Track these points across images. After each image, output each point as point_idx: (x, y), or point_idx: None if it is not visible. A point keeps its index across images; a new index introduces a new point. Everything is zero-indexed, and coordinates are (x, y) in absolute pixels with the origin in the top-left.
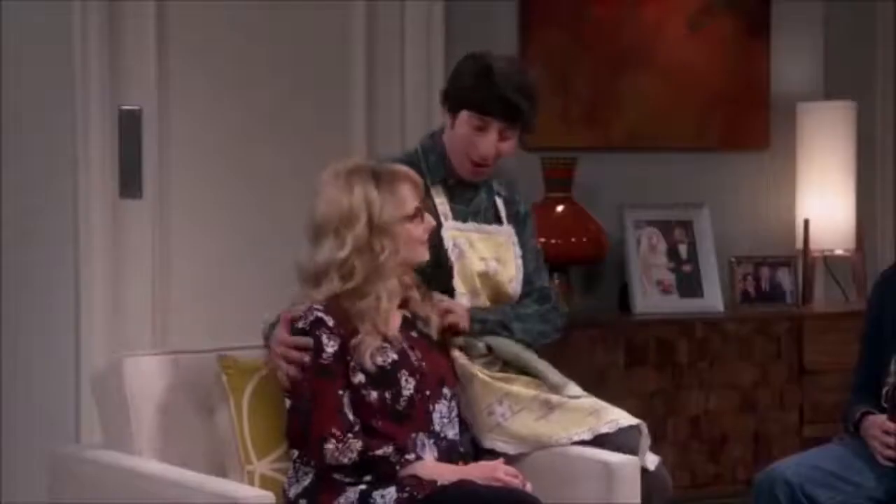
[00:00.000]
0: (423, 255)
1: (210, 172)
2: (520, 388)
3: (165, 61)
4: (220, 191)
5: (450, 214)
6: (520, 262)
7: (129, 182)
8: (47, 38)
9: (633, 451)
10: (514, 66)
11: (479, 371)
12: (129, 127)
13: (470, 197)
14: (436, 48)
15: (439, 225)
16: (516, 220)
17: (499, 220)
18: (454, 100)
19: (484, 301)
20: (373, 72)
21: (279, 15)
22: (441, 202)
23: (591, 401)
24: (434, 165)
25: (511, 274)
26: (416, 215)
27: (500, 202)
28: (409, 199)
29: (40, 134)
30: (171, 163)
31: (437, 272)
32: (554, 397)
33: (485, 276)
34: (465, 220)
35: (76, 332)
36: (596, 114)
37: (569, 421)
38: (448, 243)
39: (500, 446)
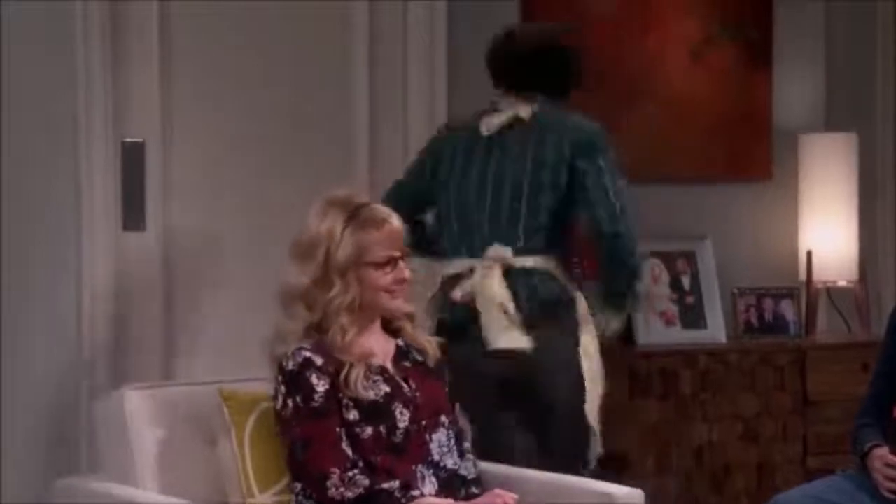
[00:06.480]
0: (389, 303)
1: (214, 205)
2: None
3: (168, 94)
4: (224, 224)
5: None
6: None
7: (132, 215)
8: (50, 72)
9: None
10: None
11: None
12: (132, 159)
13: None
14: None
15: None
16: None
17: None
18: None
19: None
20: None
21: (281, 41)
22: None
23: None
24: None
25: None
26: (386, 264)
27: None
28: (377, 246)
29: (43, 168)
30: (173, 195)
31: None
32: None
33: None
34: None
35: (79, 365)
36: None
37: None
38: None
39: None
